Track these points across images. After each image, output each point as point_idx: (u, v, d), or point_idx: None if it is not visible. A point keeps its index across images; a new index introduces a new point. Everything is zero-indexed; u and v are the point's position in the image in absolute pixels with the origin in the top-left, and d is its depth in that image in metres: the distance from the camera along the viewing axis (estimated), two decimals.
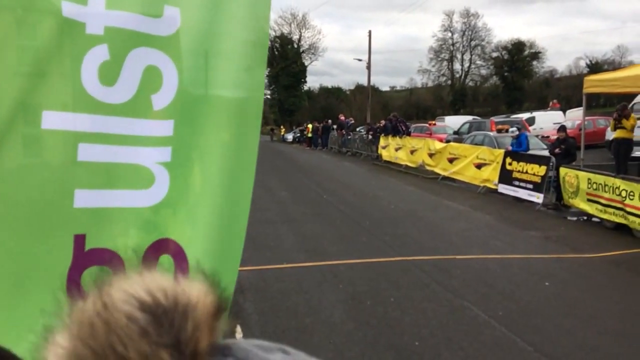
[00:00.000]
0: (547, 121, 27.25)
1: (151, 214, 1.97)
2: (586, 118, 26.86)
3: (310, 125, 39.26)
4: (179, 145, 1.98)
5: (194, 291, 0.59)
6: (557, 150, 12.22)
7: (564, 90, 63.13)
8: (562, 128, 12.62)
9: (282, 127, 64.55)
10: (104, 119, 1.84)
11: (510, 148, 14.06)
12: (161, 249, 1.96)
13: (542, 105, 44.95)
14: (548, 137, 20.65)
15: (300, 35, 70.01)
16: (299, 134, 45.57)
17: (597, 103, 57.36)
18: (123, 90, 1.87)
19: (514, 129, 14.33)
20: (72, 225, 1.83)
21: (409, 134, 22.77)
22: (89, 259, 1.85)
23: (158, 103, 1.95)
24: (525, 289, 6.70)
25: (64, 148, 1.82)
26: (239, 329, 5.49)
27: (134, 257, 1.80)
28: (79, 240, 1.84)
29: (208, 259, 1.99)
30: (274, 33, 69.67)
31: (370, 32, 41.96)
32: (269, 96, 72.22)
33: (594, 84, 11.31)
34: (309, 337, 5.25)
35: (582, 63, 70.66)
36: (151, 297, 0.56)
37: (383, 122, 24.77)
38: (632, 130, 12.78)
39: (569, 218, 11.23)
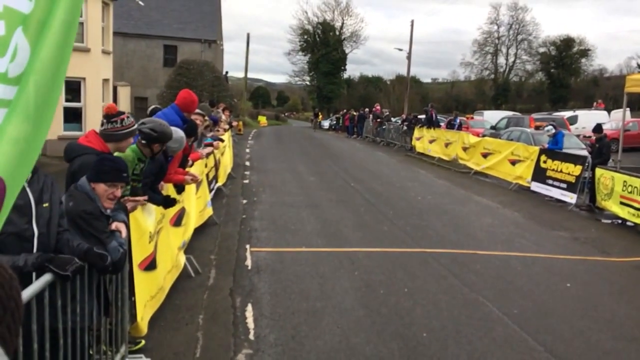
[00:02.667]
0: (590, 121, 26.27)
1: None
2: (632, 120, 26.06)
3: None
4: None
5: None
6: (589, 150, 11.83)
7: (613, 90, 60.85)
8: (597, 127, 12.19)
9: (320, 114, 64.53)
10: None
11: (546, 146, 13.69)
12: None
13: (588, 105, 43.54)
14: (590, 137, 19.99)
15: (343, 23, 69.54)
16: (335, 122, 45.46)
17: None
18: None
19: (550, 127, 13.90)
20: None
21: (438, 126, 22.53)
22: None
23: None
24: (544, 289, 6.56)
25: None
26: (250, 307, 5.57)
27: None
28: None
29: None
30: (316, 19, 69.48)
31: (412, 21, 41.41)
32: (308, 82, 72.13)
33: (636, 83, 10.86)
34: (318, 320, 5.28)
35: (634, 63, 67.95)
36: None
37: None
38: None
39: (602, 220, 10.89)
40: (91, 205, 3.33)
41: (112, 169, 3.42)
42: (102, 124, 4.04)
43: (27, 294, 2.47)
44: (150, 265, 4.71)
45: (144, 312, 4.45)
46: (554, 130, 13.52)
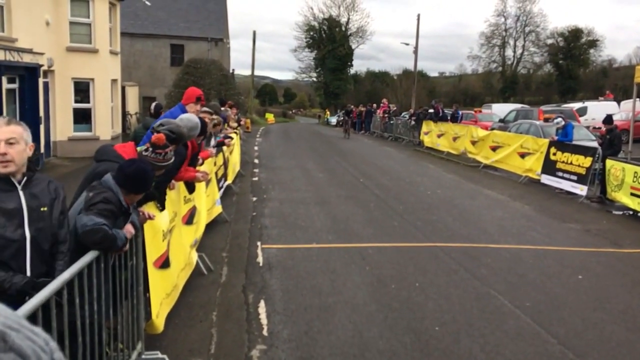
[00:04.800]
0: (599, 112, 26.08)
1: None
2: None
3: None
4: None
5: None
6: (599, 141, 11.75)
7: (622, 81, 60.26)
8: (607, 119, 12.10)
9: (327, 110, 64.41)
10: None
11: (555, 138, 13.61)
12: None
13: (598, 96, 43.15)
14: (600, 128, 19.84)
15: (349, 18, 69.20)
16: (342, 118, 45.41)
17: None
18: None
19: (559, 119, 13.80)
20: None
21: (446, 120, 22.56)
22: None
23: None
24: (556, 281, 6.54)
25: None
26: (262, 304, 5.61)
27: None
28: None
29: None
30: (322, 15, 69.25)
31: (419, 15, 41.20)
32: (314, 79, 71.96)
33: None
34: (330, 316, 5.31)
35: None
36: None
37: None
38: None
39: (613, 212, 10.83)
40: (113, 197, 3.42)
41: (141, 184, 3.56)
42: (147, 149, 4.12)
43: (46, 292, 2.51)
44: (164, 263, 4.76)
45: (160, 309, 4.50)
46: (563, 122, 13.44)
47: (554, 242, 8.40)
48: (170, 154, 4.20)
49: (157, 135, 4.20)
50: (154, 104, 11.05)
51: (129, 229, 3.55)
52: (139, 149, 4.32)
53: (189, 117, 5.63)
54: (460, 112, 23.91)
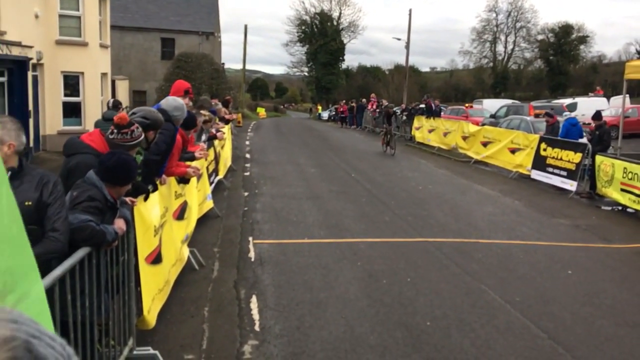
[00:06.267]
0: (589, 108, 26.27)
1: None
2: (632, 106, 26.01)
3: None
4: None
5: None
6: (588, 137, 11.84)
7: (612, 77, 60.73)
8: (596, 115, 12.18)
9: (318, 105, 64.35)
10: None
11: (542, 133, 13.68)
12: None
13: (588, 92, 43.44)
14: (590, 124, 19.97)
15: (340, 13, 69.16)
16: (334, 112, 45.42)
17: None
18: None
19: (566, 113, 13.79)
20: None
21: (438, 115, 22.68)
22: None
23: None
24: (546, 276, 6.60)
25: None
26: (254, 299, 5.61)
27: None
28: None
29: None
30: (313, 10, 69.11)
31: (410, 10, 41.21)
32: (306, 73, 71.86)
33: (636, 69, 10.85)
34: (322, 311, 5.32)
35: (632, 49, 67.74)
36: None
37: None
38: None
39: (602, 207, 10.93)
40: (97, 194, 3.38)
41: (124, 175, 3.50)
42: (112, 132, 4.01)
43: None
44: (156, 259, 4.74)
45: (153, 305, 4.49)
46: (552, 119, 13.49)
47: (543, 237, 8.46)
48: (137, 131, 4.07)
49: (119, 115, 4.10)
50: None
51: (119, 224, 3.53)
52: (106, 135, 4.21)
53: (173, 99, 5.70)
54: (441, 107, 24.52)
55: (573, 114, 24.77)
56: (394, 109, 23.75)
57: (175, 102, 5.61)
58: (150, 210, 4.63)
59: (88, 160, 3.71)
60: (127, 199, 4.04)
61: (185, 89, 6.96)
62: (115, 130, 3.98)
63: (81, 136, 4.14)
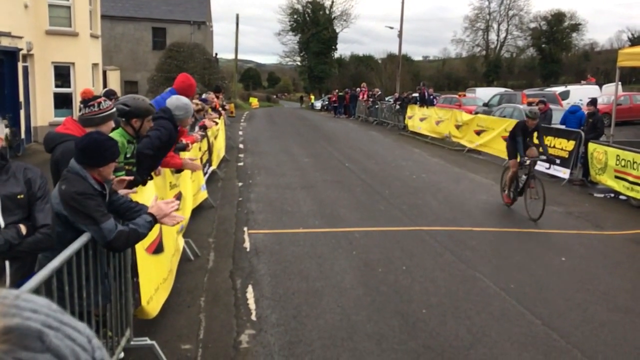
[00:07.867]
0: (581, 96, 26.40)
1: None
2: (624, 94, 26.11)
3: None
4: None
5: None
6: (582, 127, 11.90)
7: (604, 65, 60.89)
8: (592, 102, 12.23)
9: (311, 94, 64.11)
10: None
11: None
12: None
13: (580, 79, 43.53)
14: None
15: (333, 1, 68.61)
16: (327, 102, 45.29)
17: (638, 78, 55.28)
18: None
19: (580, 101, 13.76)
20: None
21: (432, 104, 22.66)
22: None
23: None
24: (540, 263, 6.65)
25: None
26: (250, 289, 5.62)
27: None
28: None
29: None
30: None
31: None
32: (298, 62, 71.48)
33: (628, 57, 10.87)
34: (318, 300, 5.34)
35: (624, 37, 67.88)
36: None
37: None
38: None
39: (595, 195, 11.00)
40: (83, 185, 3.26)
41: (99, 152, 3.32)
42: (80, 110, 3.98)
43: (35, 280, 2.49)
44: (158, 248, 4.74)
45: (156, 295, 4.50)
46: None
47: (537, 224, 8.51)
48: (105, 103, 4.01)
49: (83, 89, 4.09)
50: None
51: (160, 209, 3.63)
52: (76, 116, 4.16)
53: (177, 98, 5.62)
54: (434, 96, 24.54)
55: (565, 102, 24.89)
56: (388, 98, 23.64)
57: (178, 101, 5.46)
58: (147, 201, 4.61)
59: (70, 146, 3.59)
60: (123, 191, 4.02)
61: (194, 92, 6.89)
62: (82, 105, 3.95)
63: (56, 129, 4.10)
